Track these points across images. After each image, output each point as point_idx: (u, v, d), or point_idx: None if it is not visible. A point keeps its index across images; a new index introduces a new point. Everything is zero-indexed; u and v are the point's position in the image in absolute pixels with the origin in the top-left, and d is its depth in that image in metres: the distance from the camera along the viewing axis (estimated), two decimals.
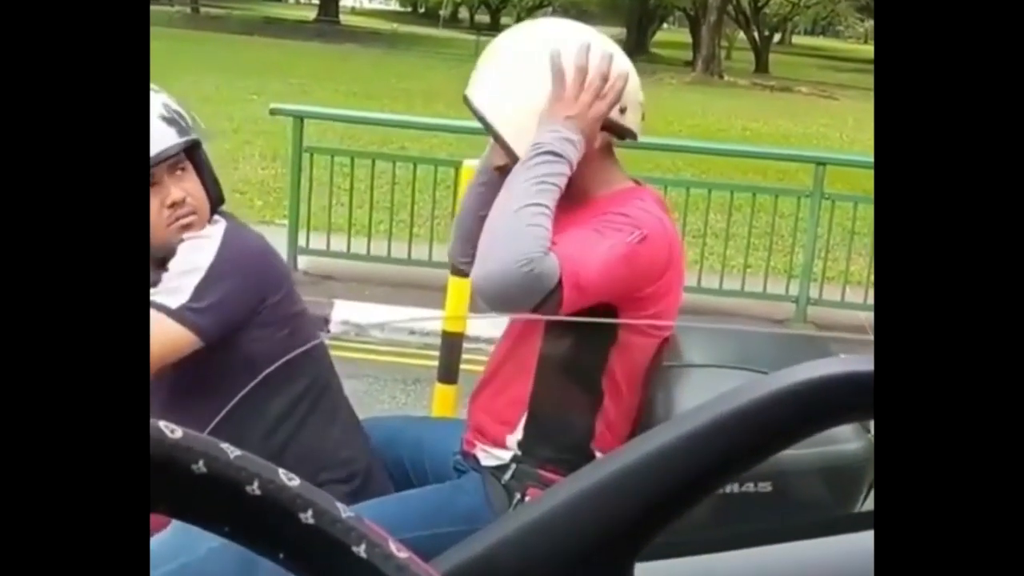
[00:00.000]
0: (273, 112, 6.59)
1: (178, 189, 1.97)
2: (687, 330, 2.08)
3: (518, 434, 2.02)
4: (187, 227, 1.97)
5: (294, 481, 0.57)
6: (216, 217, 2.05)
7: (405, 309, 5.87)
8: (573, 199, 1.97)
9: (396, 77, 19.03)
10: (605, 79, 1.94)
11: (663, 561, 0.83)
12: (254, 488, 0.55)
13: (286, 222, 6.51)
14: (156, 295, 1.89)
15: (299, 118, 6.40)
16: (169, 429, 0.55)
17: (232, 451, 0.56)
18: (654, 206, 1.99)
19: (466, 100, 2.01)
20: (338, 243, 6.56)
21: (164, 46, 20.11)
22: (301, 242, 6.45)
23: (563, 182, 1.89)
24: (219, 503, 0.55)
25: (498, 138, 1.97)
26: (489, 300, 1.87)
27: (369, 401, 4.90)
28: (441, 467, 2.16)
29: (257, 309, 1.96)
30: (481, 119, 1.97)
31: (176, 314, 1.85)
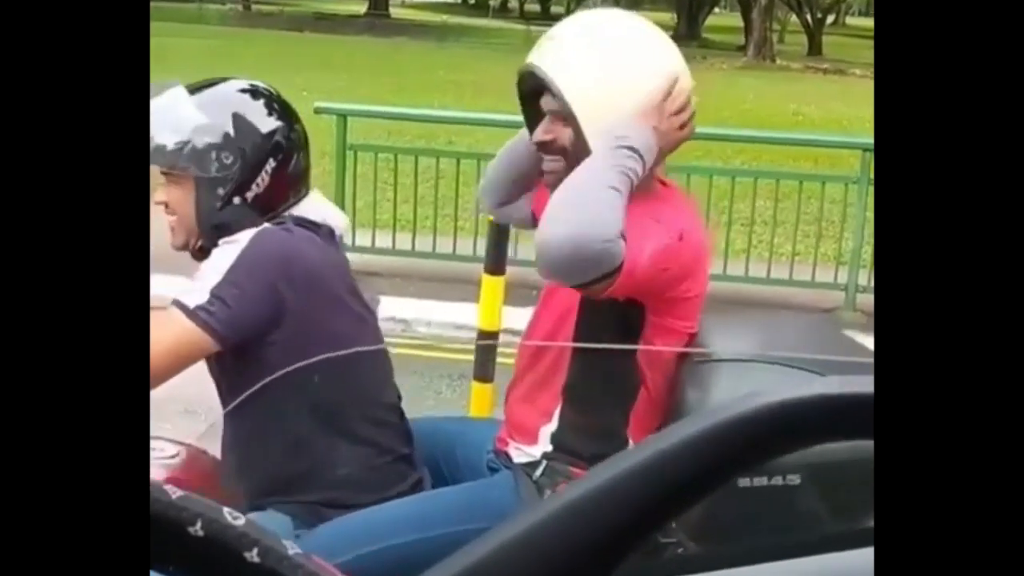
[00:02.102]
0: (318, 111, 6.63)
1: (162, 193, 2.01)
2: (715, 323, 2.07)
3: (553, 424, 2.03)
4: (172, 229, 2.04)
5: (239, 520, 0.57)
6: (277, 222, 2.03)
7: (451, 304, 5.89)
8: None
9: (446, 69, 19.05)
10: (692, 114, 1.97)
11: None
12: (197, 529, 0.56)
13: None
14: (179, 294, 1.92)
15: (343, 116, 6.44)
16: None
17: (174, 492, 0.56)
18: (686, 207, 2.01)
19: (530, 71, 1.98)
20: (383, 239, 6.60)
21: (217, 44, 20.36)
22: (347, 240, 6.48)
23: (635, 182, 1.88)
24: (162, 544, 0.56)
25: (567, 112, 1.94)
26: (553, 263, 1.83)
27: (415, 398, 4.92)
28: (475, 466, 2.18)
29: (276, 316, 1.95)
30: (553, 91, 1.94)
31: (193, 314, 1.88)
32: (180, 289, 1.93)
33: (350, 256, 7.07)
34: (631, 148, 1.88)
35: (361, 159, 6.68)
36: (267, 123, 2.03)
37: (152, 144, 1.96)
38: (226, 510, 0.57)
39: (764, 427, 0.71)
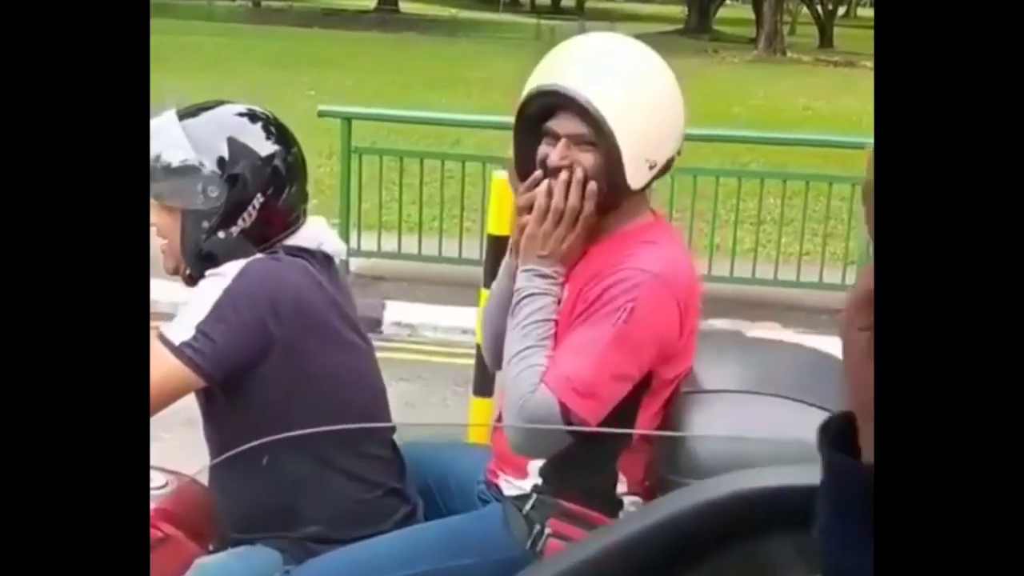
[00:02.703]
0: (321, 114, 6.61)
1: (152, 214, 1.95)
2: (708, 348, 2.03)
3: (540, 460, 2.00)
4: (163, 252, 2.00)
5: None
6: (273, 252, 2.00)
7: (457, 309, 5.86)
8: (593, 237, 1.97)
9: (454, 65, 19.02)
10: (576, 212, 1.93)
11: None
12: None
13: (339, 222, 6.53)
14: (165, 328, 1.88)
15: (347, 119, 6.41)
16: None
17: None
18: (664, 248, 1.97)
19: (552, 90, 1.92)
20: (389, 243, 6.57)
21: (225, 42, 20.38)
22: (352, 244, 6.46)
23: (551, 311, 1.92)
24: None
25: (596, 135, 1.90)
26: (523, 453, 2.00)
27: (420, 404, 4.91)
28: (467, 495, 2.16)
29: (268, 348, 1.92)
30: (589, 111, 1.89)
31: (178, 351, 1.85)
32: (166, 324, 1.90)
33: (355, 261, 7.05)
34: (527, 296, 1.94)
35: (366, 161, 6.65)
36: (262, 148, 1.99)
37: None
38: None
39: (733, 516, 0.69)
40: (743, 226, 6.82)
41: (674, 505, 0.70)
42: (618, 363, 1.86)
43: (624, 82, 1.92)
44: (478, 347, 3.63)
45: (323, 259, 2.06)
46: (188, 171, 1.94)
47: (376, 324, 5.80)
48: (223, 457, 1.85)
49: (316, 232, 2.07)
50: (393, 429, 2.16)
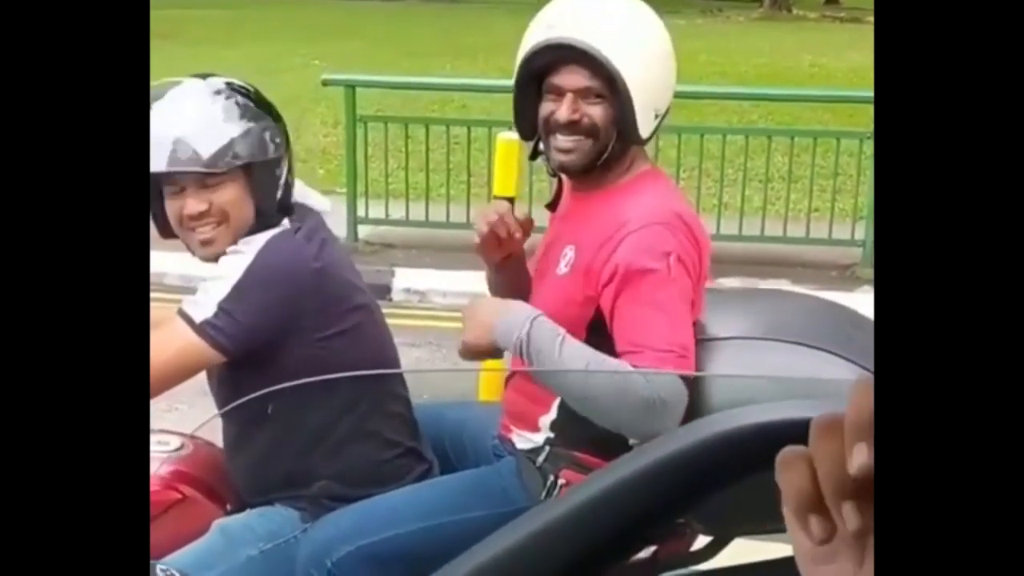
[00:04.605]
0: (325, 83, 6.59)
1: (198, 202, 1.93)
2: (714, 299, 2.04)
3: (552, 414, 2.02)
4: (208, 241, 1.95)
5: None
6: (286, 222, 2.00)
7: (466, 273, 5.87)
8: (593, 186, 1.98)
9: (458, 32, 18.91)
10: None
11: None
12: None
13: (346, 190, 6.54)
14: (186, 304, 1.90)
15: (351, 87, 6.40)
16: None
17: None
18: (672, 193, 1.99)
19: (561, 44, 1.91)
20: (397, 210, 6.58)
21: (227, 15, 20.26)
22: (360, 212, 6.47)
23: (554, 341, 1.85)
24: None
25: (609, 87, 1.90)
26: (644, 435, 1.82)
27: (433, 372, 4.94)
28: (481, 451, 2.18)
29: (289, 326, 1.93)
30: (603, 63, 1.89)
31: (199, 328, 1.86)
32: (187, 299, 1.91)
33: (363, 228, 7.05)
34: (530, 343, 1.85)
35: (373, 129, 6.64)
36: (272, 109, 2.04)
37: (180, 154, 1.90)
38: (159, 567, 0.56)
39: (742, 447, 0.70)
40: (751, 184, 6.80)
41: (691, 436, 0.72)
42: (686, 312, 1.88)
43: (629, 32, 1.93)
44: None
45: (320, 220, 2.09)
46: (257, 118, 1.96)
47: (386, 291, 5.82)
48: (231, 406, 1.87)
49: (304, 190, 2.11)
50: (405, 388, 2.17)
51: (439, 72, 11.10)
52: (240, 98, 1.98)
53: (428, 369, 4.74)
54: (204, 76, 2.03)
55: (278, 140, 1.99)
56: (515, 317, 1.85)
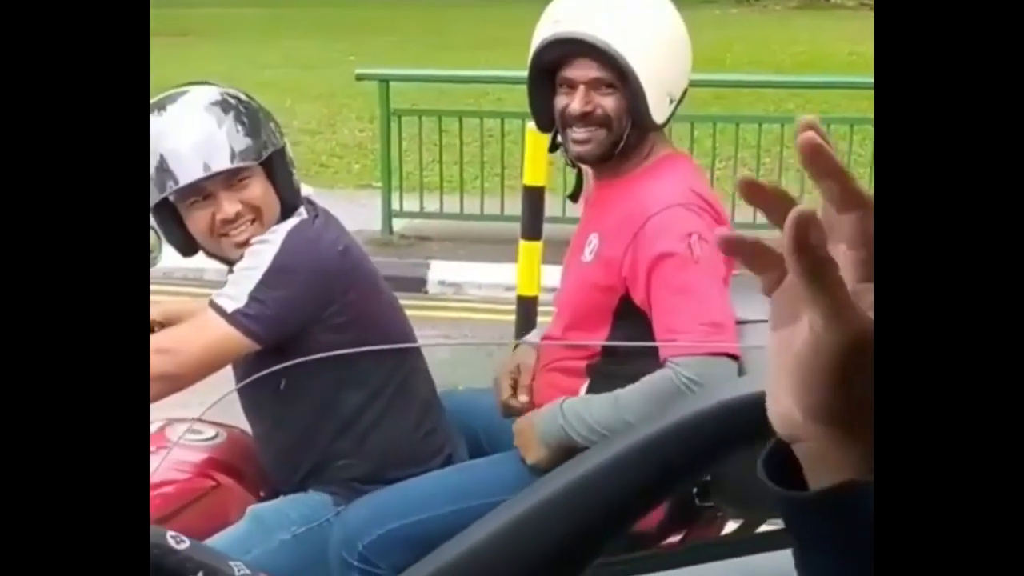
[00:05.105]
0: (359, 78, 6.62)
1: (231, 204, 1.96)
2: (745, 284, 2.05)
3: (581, 394, 2.03)
4: (243, 243, 1.97)
5: (183, 544, 0.57)
6: (303, 211, 2.04)
7: (501, 266, 5.88)
8: (614, 174, 1.99)
9: (494, 25, 18.88)
10: None
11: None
12: None
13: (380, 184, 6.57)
14: (217, 296, 1.92)
15: (384, 82, 6.42)
16: None
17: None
18: (687, 176, 1.99)
19: (568, 39, 1.93)
20: (432, 203, 6.60)
21: (264, 13, 20.34)
22: (395, 205, 6.49)
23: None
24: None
25: (619, 78, 1.92)
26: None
27: (466, 361, 4.94)
28: (512, 436, 2.18)
29: (319, 312, 1.96)
30: (611, 55, 1.91)
31: (231, 318, 1.89)
32: (217, 291, 1.94)
33: (398, 222, 7.06)
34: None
35: (407, 122, 6.67)
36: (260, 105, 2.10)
37: (212, 156, 1.93)
38: (169, 534, 0.57)
39: (723, 425, 0.70)
40: (788, 173, 6.75)
41: (664, 419, 0.72)
42: (715, 289, 1.89)
43: (637, 20, 1.94)
44: (518, 298, 3.66)
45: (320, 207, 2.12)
46: (260, 113, 2.02)
47: (421, 284, 5.84)
48: (251, 379, 1.89)
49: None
50: (427, 370, 2.18)
51: (475, 66, 11.09)
52: (239, 98, 2.03)
53: (455, 342, 4.75)
54: (200, 83, 2.07)
55: (280, 130, 2.05)
56: (548, 414, 1.94)
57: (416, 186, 6.70)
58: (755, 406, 0.70)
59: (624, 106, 1.93)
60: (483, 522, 0.75)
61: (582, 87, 1.95)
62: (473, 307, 5.71)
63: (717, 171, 6.42)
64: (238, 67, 12.18)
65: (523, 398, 2.07)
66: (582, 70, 1.94)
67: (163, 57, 12.30)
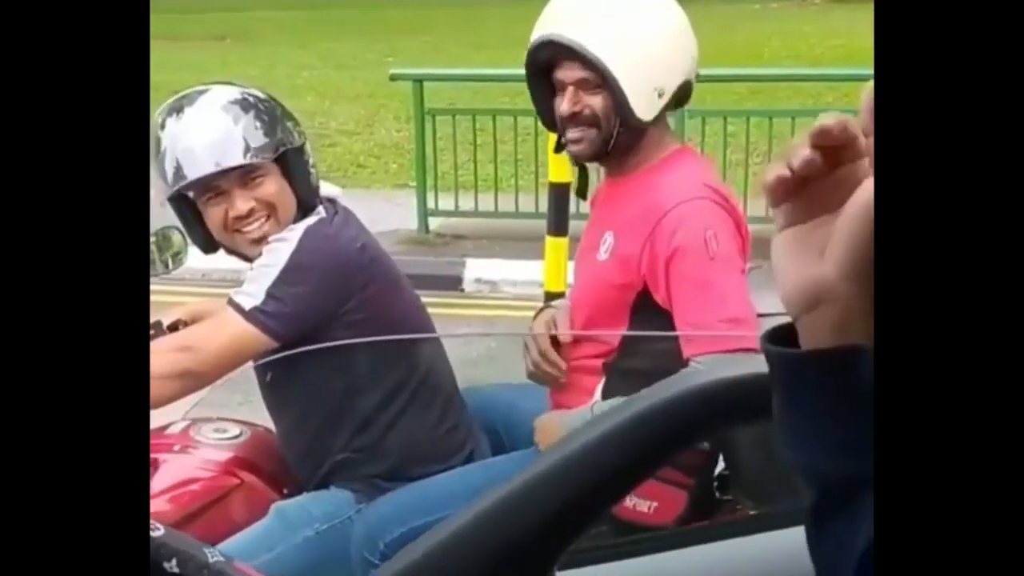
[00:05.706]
0: (393, 78, 6.65)
1: (244, 200, 1.97)
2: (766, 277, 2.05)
3: (596, 397, 2.03)
4: (258, 240, 1.98)
5: (157, 531, 0.58)
6: (321, 210, 2.04)
7: (536, 263, 5.88)
8: (622, 171, 1.99)
9: (528, 24, 18.88)
10: None
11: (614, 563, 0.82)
12: None
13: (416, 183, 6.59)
14: (235, 294, 1.94)
15: (419, 82, 6.44)
16: None
17: None
18: (697, 170, 1.99)
19: (549, 41, 1.94)
20: (467, 201, 6.61)
21: (301, 16, 20.48)
22: (430, 204, 6.52)
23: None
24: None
25: (599, 78, 1.92)
26: None
27: (502, 358, 4.94)
28: (532, 433, 2.19)
29: (337, 308, 1.97)
30: (587, 58, 1.91)
31: (249, 315, 1.90)
32: (235, 290, 1.96)
33: (434, 220, 7.06)
34: None
35: (442, 122, 6.69)
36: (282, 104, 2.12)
37: (225, 152, 1.94)
38: (205, 550, 0.57)
39: (709, 404, 0.70)
40: None
41: (662, 392, 0.72)
42: (733, 282, 1.89)
43: (612, 17, 1.93)
44: (545, 294, 3.65)
45: (343, 208, 2.13)
46: (278, 110, 2.04)
47: (457, 282, 5.85)
48: (261, 361, 1.91)
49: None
50: (449, 365, 2.19)
51: (510, 64, 11.10)
52: (257, 96, 2.04)
53: (477, 333, 4.75)
54: (223, 83, 2.09)
55: (299, 128, 2.05)
56: (578, 416, 1.91)
57: (451, 185, 6.72)
58: (739, 385, 0.70)
59: (611, 105, 1.93)
60: (472, 504, 0.76)
61: (570, 88, 1.96)
62: (509, 304, 5.71)
63: (752, 166, 6.39)
64: (276, 70, 12.28)
65: (559, 364, 2.05)
66: (569, 71, 1.96)
67: (201, 61, 12.48)
